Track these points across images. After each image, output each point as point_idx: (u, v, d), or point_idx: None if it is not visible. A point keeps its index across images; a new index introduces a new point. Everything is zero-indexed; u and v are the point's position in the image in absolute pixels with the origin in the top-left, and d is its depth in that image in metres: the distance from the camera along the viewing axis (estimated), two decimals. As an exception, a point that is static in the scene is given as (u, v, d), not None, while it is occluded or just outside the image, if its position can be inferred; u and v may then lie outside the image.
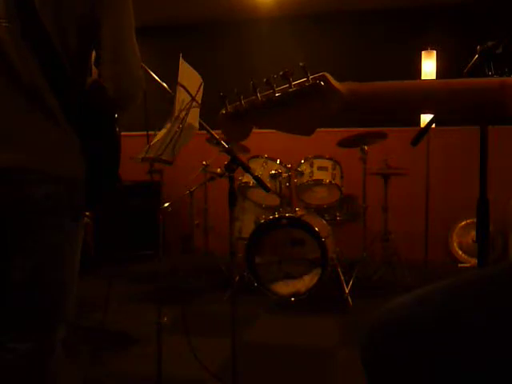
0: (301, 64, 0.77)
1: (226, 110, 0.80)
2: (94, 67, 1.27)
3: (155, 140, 1.87)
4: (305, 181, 3.52)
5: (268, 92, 0.78)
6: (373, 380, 0.88)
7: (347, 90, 0.78)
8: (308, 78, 0.77)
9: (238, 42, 5.09)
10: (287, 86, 0.77)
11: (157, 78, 1.85)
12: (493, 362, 0.77)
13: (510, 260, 3.75)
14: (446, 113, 0.80)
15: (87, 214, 4.09)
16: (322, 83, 0.77)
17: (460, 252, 4.52)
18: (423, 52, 3.91)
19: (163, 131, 1.88)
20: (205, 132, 1.92)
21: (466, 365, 0.79)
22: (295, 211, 3.46)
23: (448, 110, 0.78)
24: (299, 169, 3.57)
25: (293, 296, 3.25)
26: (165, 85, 1.86)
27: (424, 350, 0.82)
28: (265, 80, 0.77)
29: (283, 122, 0.79)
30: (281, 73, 0.77)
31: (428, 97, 0.79)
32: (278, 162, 3.55)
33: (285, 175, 3.50)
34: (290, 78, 0.77)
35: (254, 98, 0.78)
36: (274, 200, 3.57)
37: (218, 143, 1.87)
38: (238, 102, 0.79)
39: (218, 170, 3.59)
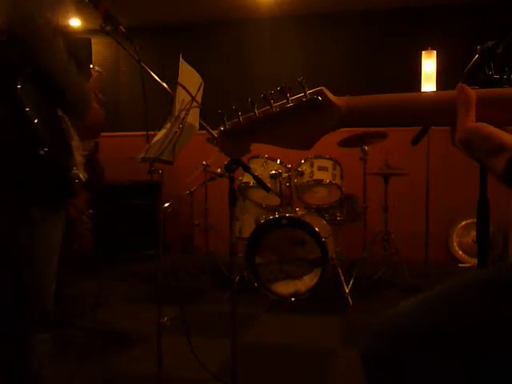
0: (299, 79, 0.77)
1: (224, 127, 0.80)
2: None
3: (155, 140, 1.87)
4: (305, 181, 3.52)
5: (266, 108, 0.79)
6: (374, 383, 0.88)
7: (345, 105, 0.78)
8: (305, 93, 0.77)
9: (238, 41, 5.09)
10: (285, 101, 0.78)
11: (157, 78, 1.85)
12: (495, 365, 0.77)
13: (509, 261, 3.75)
14: (449, 124, 0.79)
15: (87, 213, 4.09)
16: (320, 98, 0.77)
17: (460, 252, 4.52)
18: (423, 52, 3.90)
19: (163, 131, 1.88)
20: (205, 132, 1.92)
21: (468, 369, 0.79)
22: (295, 211, 3.45)
23: (449, 122, 0.78)
24: (299, 169, 3.57)
25: (293, 296, 3.25)
26: (165, 85, 1.86)
27: (426, 355, 0.82)
28: (262, 96, 0.78)
29: (282, 137, 0.80)
30: (278, 88, 0.77)
31: (426, 110, 0.79)
32: (278, 162, 3.55)
33: (285, 175, 3.50)
34: (288, 93, 0.77)
35: (251, 114, 0.79)
36: (274, 200, 3.57)
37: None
38: (236, 119, 0.79)
39: (218, 170, 3.60)
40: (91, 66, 1.96)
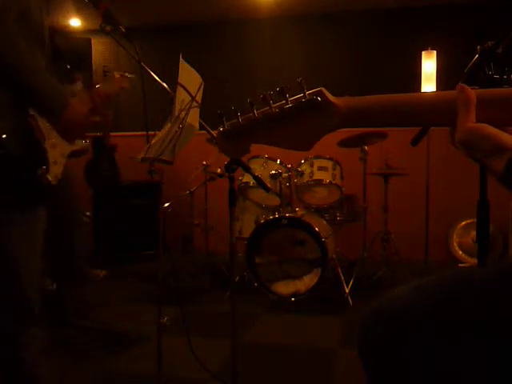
0: (298, 80, 0.76)
1: (223, 128, 0.80)
2: None
3: (155, 140, 1.87)
4: (305, 181, 3.52)
5: (265, 109, 0.78)
6: (370, 371, 0.88)
7: (344, 105, 0.78)
8: (305, 93, 0.77)
9: (238, 41, 5.09)
10: (284, 102, 0.78)
11: (157, 78, 1.85)
12: (491, 354, 0.77)
13: (509, 258, 3.75)
14: (449, 125, 0.79)
15: (87, 213, 4.10)
16: (319, 99, 0.77)
17: (460, 252, 4.52)
18: (423, 52, 3.90)
19: (163, 131, 1.88)
20: (205, 132, 1.92)
21: (464, 357, 0.79)
22: (295, 211, 3.45)
23: (449, 123, 0.78)
24: (299, 169, 3.57)
25: (293, 296, 3.25)
26: (165, 85, 1.86)
27: (421, 342, 0.82)
28: (261, 96, 0.78)
29: (281, 138, 0.80)
30: (278, 89, 0.77)
31: (426, 110, 0.79)
32: (278, 162, 3.55)
33: (285, 175, 3.50)
34: (287, 93, 0.77)
35: (251, 114, 0.78)
36: (274, 200, 3.57)
37: (218, 143, 1.86)
38: (235, 120, 0.79)
39: (218, 170, 3.60)
40: (124, 72, 1.91)
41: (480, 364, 0.77)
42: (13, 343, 1.30)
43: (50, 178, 1.32)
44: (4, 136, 1.20)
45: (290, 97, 0.78)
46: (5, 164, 1.22)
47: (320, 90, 0.77)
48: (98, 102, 1.57)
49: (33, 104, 1.30)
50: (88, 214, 4.61)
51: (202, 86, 1.90)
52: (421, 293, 0.87)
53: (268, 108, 0.78)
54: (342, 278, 3.37)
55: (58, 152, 1.39)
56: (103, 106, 1.62)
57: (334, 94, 0.79)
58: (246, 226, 3.64)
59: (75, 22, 5.17)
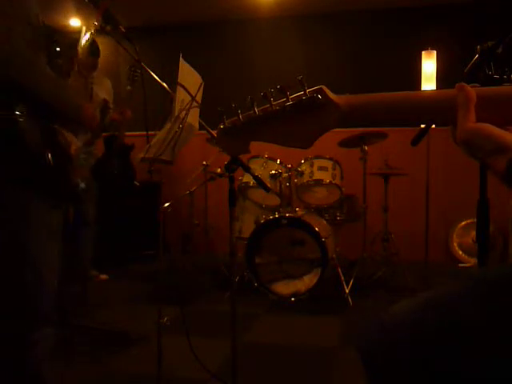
0: (298, 78, 0.77)
1: (223, 125, 0.80)
2: None
3: (155, 140, 1.87)
4: (305, 181, 3.52)
5: (265, 106, 0.78)
6: (374, 381, 0.88)
7: (344, 103, 0.78)
8: (305, 91, 0.77)
9: (238, 41, 5.10)
10: (284, 99, 0.78)
11: (157, 78, 1.85)
12: (495, 368, 0.77)
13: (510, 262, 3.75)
14: (449, 122, 0.79)
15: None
16: (319, 96, 0.76)
17: (460, 252, 4.52)
18: (423, 52, 3.90)
19: (163, 131, 1.88)
20: (205, 132, 1.92)
21: (467, 369, 0.79)
22: (295, 211, 3.46)
23: (449, 120, 0.77)
24: (299, 169, 3.57)
25: (293, 296, 3.25)
26: (165, 85, 1.86)
27: (425, 355, 0.81)
28: (262, 94, 0.78)
29: (281, 135, 0.80)
30: (278, 86, 0.77)
31: (426, 108, 0.79)
32: (278, 162, 3.55)
33: (285, 175, 3.50)
34: (288, 91, 0.77)
35: (251, 112, 0.79)
36: (274, 200, 3.57)
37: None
38: (235, 117, 0.79)
39: (218, 170, 3.60)
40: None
41: (481, 372, 0.77)
42: (22, 342, 1.30)
43: (80, 183, 1.36)
44: (49, 154, 1.23)
45: (290, 95, 0.78)
46: (46, 175, 1.26)
47: (320, 88, 0.77)
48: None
49: (53, 116, 1.31)
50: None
51: (202, 86, 1.90)
52: (425, 307, 0.87)
53: (268, 105, 0.78)
54: (342, 278, 3.37)
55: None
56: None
57: (333, 94, 0.79)
58: (246, 226, 3.64)
59: (75, 22, 5.17)
